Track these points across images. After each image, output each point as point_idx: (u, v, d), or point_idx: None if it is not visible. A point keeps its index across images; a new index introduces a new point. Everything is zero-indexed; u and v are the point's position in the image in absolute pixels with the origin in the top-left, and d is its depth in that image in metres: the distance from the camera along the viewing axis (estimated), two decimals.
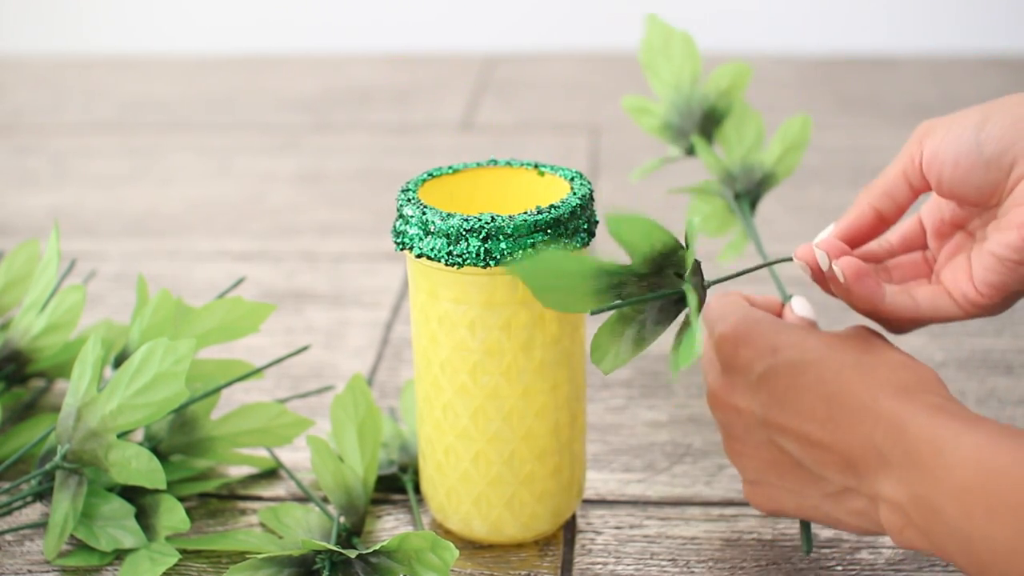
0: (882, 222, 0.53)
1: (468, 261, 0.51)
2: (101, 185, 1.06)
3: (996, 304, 0.51)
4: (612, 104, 1.26)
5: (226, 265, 0.90)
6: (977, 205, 0.51)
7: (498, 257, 0.51)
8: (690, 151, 0.69)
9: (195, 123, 1.23)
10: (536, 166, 0.56)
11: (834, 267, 0.51)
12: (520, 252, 0.51)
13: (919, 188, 0.52)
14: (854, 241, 0.54)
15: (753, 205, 0.68)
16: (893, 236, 0.56)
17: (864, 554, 0.57)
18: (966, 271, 0.51)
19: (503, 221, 0.51)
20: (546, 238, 0.51)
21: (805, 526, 0.56)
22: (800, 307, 0.55)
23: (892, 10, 1.45)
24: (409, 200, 0.53)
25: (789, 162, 0.68)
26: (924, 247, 0.55)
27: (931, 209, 0.55)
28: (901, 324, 0.53)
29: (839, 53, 1.41)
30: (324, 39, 1.48)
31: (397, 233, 0.53)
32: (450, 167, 0.57)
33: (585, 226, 0.53)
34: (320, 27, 1.49)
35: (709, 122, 0.69)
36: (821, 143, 1.13)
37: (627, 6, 1.45)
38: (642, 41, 0.70)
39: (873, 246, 0.56)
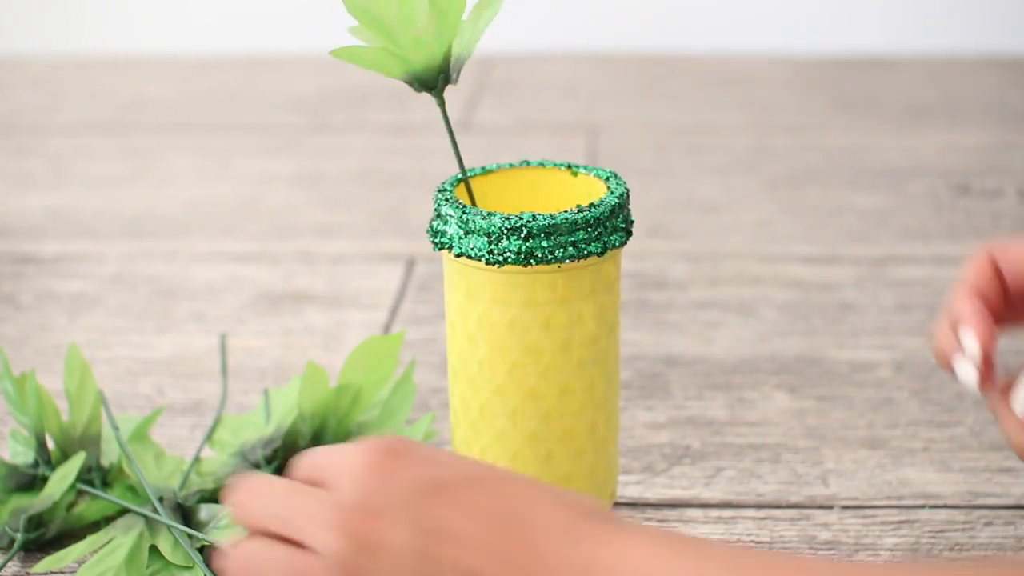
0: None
1: (509, 260, 0.51)
2: (99, 186, 1.06)
3: None
4: (610, 105, 1.26)
5: (224, 266, 0.90)
6: None
7: (539, 256, 0.51)
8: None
9: (193, 124, 1.23)
10: (569, 166, 0.57)
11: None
12: (560, 250, 0.51)
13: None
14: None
15: None
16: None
17: (862, 556, 0.57)
18: None
19: (544, 219, 0.51)
20: (586, 236, 0.51)
21: None
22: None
23: (890, 11, 1.45)
24: (447, 199, 0.53)
25: None
26: None
27: None
28: None
29: (837, 54, 1.41)
30: (322, 39, 1.48)
31: (435, 232, 0.53)
32: (482, 168, 0.57)
33: (623, 225, 0.53)
34: (318, 27, 1.49)
35: None
36: (819, 143, 1.13)
37: (627, 6, 1.45)
38: None
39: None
